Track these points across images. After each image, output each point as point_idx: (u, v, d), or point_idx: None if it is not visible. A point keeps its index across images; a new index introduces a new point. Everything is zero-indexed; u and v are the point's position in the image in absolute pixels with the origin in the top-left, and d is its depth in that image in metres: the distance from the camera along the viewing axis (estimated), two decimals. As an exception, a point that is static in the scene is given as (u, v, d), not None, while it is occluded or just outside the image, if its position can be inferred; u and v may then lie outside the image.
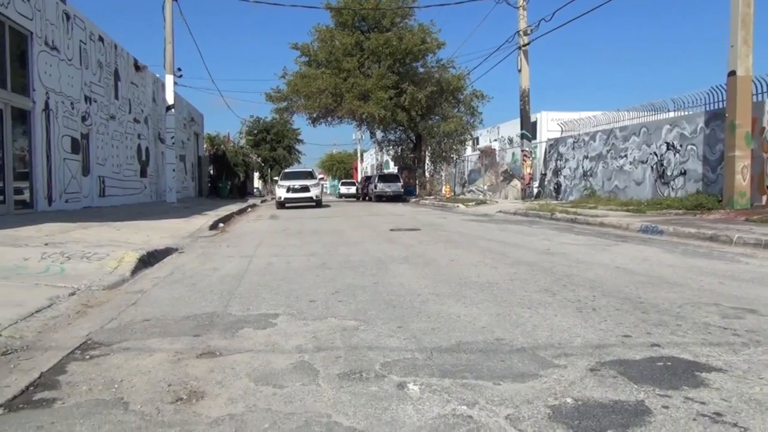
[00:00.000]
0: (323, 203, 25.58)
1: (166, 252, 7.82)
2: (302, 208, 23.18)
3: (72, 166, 15.63)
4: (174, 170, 22.49)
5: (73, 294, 4.81)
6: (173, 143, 22.44)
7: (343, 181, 62.81)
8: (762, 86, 13.28)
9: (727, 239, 8.20)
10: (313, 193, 23.92)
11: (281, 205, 23.87)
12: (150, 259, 6.94)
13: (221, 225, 13.58)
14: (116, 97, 19.74)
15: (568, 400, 2.40)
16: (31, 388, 2.67)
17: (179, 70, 23.03)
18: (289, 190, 23.63)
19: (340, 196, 54.42)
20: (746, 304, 4.17)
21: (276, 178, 31.04)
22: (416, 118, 32.56)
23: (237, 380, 2.73)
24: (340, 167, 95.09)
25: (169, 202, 21.47)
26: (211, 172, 40.00)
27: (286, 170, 29.59)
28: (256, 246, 8.91)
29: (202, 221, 13.27)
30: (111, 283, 5.41)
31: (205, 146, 39.36)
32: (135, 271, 6.16)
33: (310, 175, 26.63)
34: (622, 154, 18.77)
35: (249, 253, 7.98)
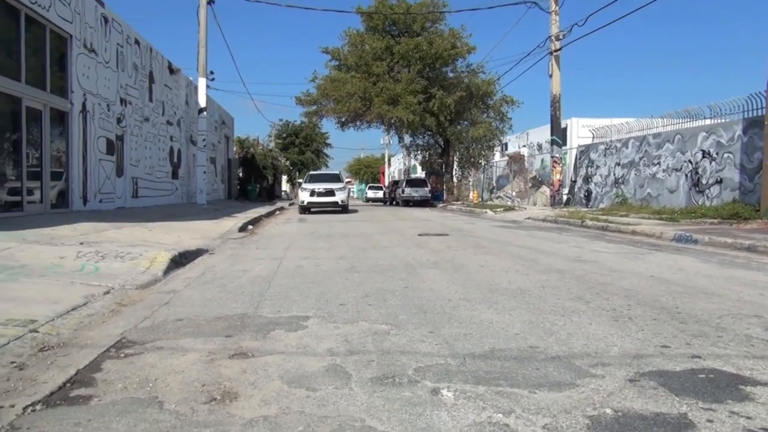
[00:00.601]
0: (350, 208, 24.35)
1: (197, 253, 7.91)
2: (330, 212, 22.61)
3: (107, 166, 15.94)
4: (205, 172, 22.78)
5: (107, 293, 4.89)
6: (204, 146, 22.75)
7: (371, 185, 62.92)
8: (803, 93, 12.90)
9: (766, 250, 7.97)
10: (339, 197, 22.50)
11: (304, 209, 22.65)
12: (181, 260, 7.02)
13: (250, 227, 13.70)
14: (150, 100, 20.09)
15: (608, 410, 2.34)
16: (68, 384, 2.71)
17: (212, 73, 23.40)
18: (313, 193, 22.31)
19: (367, 200, 54.51)
20: (790, 317, 4.03)
21: (300, 180, 29.57)
22: (445, 123, 32.45)
23: (270, 382, 2.73)
24: (368, 171, 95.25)
25: (199, 204, 21.75)
26: (240, 174, 40.45)
27: (312, 172, 28.21)
28: (285, 248, 8.95)
29: (231, 223, 13.41)
30: (144, 282, 5.49)
31: (234, 149, 39.83)
32: (167, 271, 6.24)
33: (336, 178, 24.93)
34: (655, 161, 18.43)
35: (278, 255, 8.02)
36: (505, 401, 2.45)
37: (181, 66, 23.96)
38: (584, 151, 23.83)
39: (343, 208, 22.78)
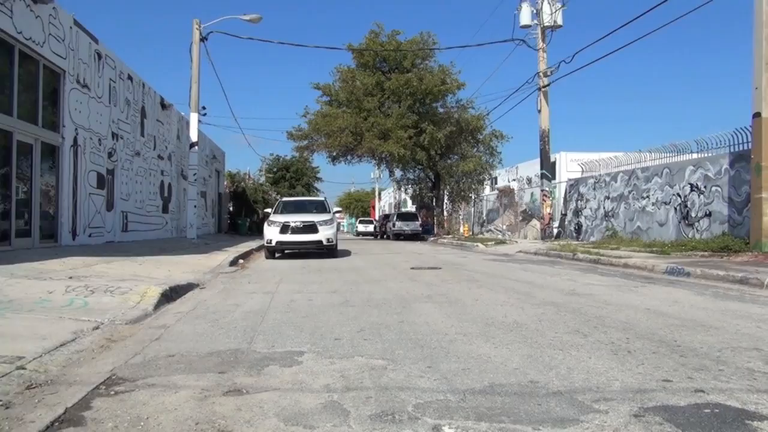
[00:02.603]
0: (338, 249, 16.96)
1: (188, 287, 7.81)
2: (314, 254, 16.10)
3: (97, 201, 15.84)
4: (195, 207, 22.66)
5: (96, 328, 4.78)
6: (195, 180, 22.70)
7: (361, 219, 63.11)
8: (788, 128, 13.09)
9: (758, 282, 7.98)
10: (324, 234, 15.31)
11: (272, 252, 15.65)
12: (172, 294, 6.92)
13: (241, 261, 13.59)
14: (142, 134, 20.11)
15: (614, 447, 2.28)
16: (56, 423, 2.62)
17: (204, 108, 23.50)
18: (285, 229, 15.16)
19: (358, 234, 54.57)
20: (789, 350, 4.00)
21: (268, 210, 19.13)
22: (435, 157, 32.72)
23: (266, 420, 2.65)
24: (358, 205, 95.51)
25: (189, 238, 21.59)
26: (231, 208, 40.37)
27: (285, 199, 19.99)
28: (277, 282, 8.86)
29: (222, 257, 13.30)
30: (134, 317, 5.38)
31: (225, 183, 39.83)
32: (158, 305, 6.13)
33: (320, 206, 17.74)
34: (645, 194, 18.59)
35: (270, 289, 7.94)
36: (508, 438, 2.38)
37: (173, 101, 24.11)
38: (574, 185, 24.01)
39: (328, 251, 15.78)
